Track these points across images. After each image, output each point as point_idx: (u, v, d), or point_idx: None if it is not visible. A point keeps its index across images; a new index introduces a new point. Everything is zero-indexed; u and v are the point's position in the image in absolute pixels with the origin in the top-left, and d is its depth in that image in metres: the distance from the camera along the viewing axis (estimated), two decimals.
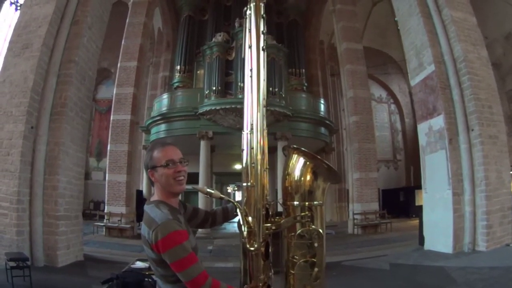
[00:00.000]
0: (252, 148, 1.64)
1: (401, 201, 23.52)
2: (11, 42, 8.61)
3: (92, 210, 20.52)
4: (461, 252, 8.24)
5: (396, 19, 11.87)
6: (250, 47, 1.72)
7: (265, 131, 1.66)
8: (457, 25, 9.06)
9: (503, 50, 17.22)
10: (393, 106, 27.76)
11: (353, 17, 17.30)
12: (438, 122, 9.10)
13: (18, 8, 20.13)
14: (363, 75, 16.74)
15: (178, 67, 18.62)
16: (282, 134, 16.32)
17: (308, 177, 1.71)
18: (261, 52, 1.69)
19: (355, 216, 15.23)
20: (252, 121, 1.65)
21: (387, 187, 24.49)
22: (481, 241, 8.11)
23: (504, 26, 16.69)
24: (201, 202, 15.46)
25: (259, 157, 1.61)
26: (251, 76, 1.69)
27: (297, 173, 1.72)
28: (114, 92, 16.04)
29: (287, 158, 1.79)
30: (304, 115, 17.56)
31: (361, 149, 15.81)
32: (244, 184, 1.66)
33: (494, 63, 12.31)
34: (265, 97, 1.68)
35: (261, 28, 1.72)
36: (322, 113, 18.58)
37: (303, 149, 1.71)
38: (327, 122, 18.81)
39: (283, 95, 16.90)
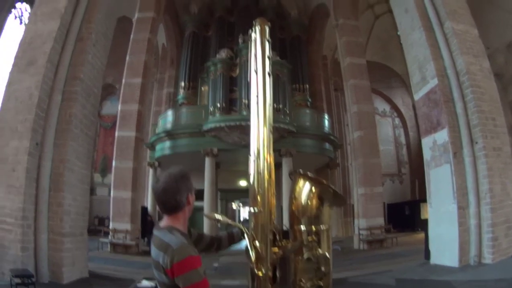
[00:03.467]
0: (259, 173, 1.64)
1: (406, 215, 23.38)
2: (16, 57, 8.63)
3: (97, 226, 20.56)
4: (467, 265, 8.16)
5: (398, 33, 11.92)
6: (256, 71, 1.74)
7: (272, 157, 1.67)
8: (459, 37, 9.08)
9: (505, 59, 17.12)
10: (397, 120, 27.80)
11: (356, 32, 17.31)
12: (442, 136, 9.07)
13: (23, 21, 20.32)
14: (367, 89, 16.72)
15: (183, 84, 18.81)
16: (287, 150, 16.37)
17: (314, 202, 1.72)
18: (267, 77, 1.71)
19: (361, 232, 15.14)
20: (259, 146, 1.66)
21: (392, 201, 24.40)
22: (487, 254, 8.04)
23: (505, 36, 16.63)
24: (206, 221, 15.45)
25: (266, 183, 1.62)
26: (257, 102, 1.70)
27: (303, 198, 1.74)
28: (119, 108, 16.08)
29: (294, 182, 1.80)
30: (309, 131, 17.64)
31: (366, 164, 15.71)
32: (251, 209, 1.67)
33: (496, 73, 12.26)
34: (272, 123, 1.68)
35: (267, 53, 1.73)
36: (326, 128, 18.64)
37: (309, 174, 1.73)
38: (332, 137, 18.85)
39: (287, 111, 16.97)
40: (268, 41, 1.75)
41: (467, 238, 8.34)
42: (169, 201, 1.76)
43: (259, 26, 1.77)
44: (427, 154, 9.75)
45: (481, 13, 14.07)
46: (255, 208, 1.64)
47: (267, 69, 1.71)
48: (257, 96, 1.70)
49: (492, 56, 13.50)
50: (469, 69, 8.85)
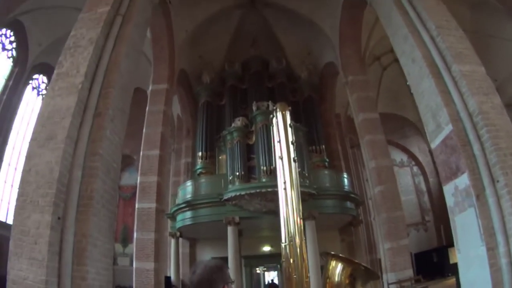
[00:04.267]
0: (293, 260, 1.66)
1: (434, 262, 22.94)
2: (35, 131, 8.59)
3: None
4: None
5: (408, 83, 12.01)
6: (281, 158, 1.78)
7: (304, 241, 1.69)
8: (467, 79, 9.06)
9: None
10: (415, 168, 27.62)
11: (366, 87, 17.35)
12: (463, 180, 8.90)
13: (40, 93, 20.94)
14: (383, 143, 16.55)
15: (200, 154, 18.97)
16: (309, 213, 15.98)
17: (347, 280, 1.72)
18: (293, 163, 1.74)
19: (390, 286, 14.66)
20: (290, 232, 1.68)
21: (419, 250, 23.93)
22: None
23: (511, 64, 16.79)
24: None
25: (299, 268, 1.63)
26: (285, 189, 1.72)
27: (336, 278, 1.74)
28: (138, 180, 16.11)
29: (326, 263, 1.81)
30: (329, 191, 17.47)
31: (389, 218, 15.29)
32: None
33: (507, 103, 12.13)
34: (301, 209, 1.71)
35: (290, 139, 1.77)
36: (346, 187, 18.45)
37: (340, 255, 1.75)
38: (352, 195, 18.60)
39: (306, 174, 16.87)
40: (291, 126, 1.79)
41: (500, 278, 8.06)
42: None
43: (280, 113, 1.80)
44: (450, 201, 9.58)
45: (484, 47, 14.22)
46: None
47: (292, 154, 1.75)
48: (285, 183, 1.72)
49: (501, 88, 13.53)
50: (482, 109, 8.80)
